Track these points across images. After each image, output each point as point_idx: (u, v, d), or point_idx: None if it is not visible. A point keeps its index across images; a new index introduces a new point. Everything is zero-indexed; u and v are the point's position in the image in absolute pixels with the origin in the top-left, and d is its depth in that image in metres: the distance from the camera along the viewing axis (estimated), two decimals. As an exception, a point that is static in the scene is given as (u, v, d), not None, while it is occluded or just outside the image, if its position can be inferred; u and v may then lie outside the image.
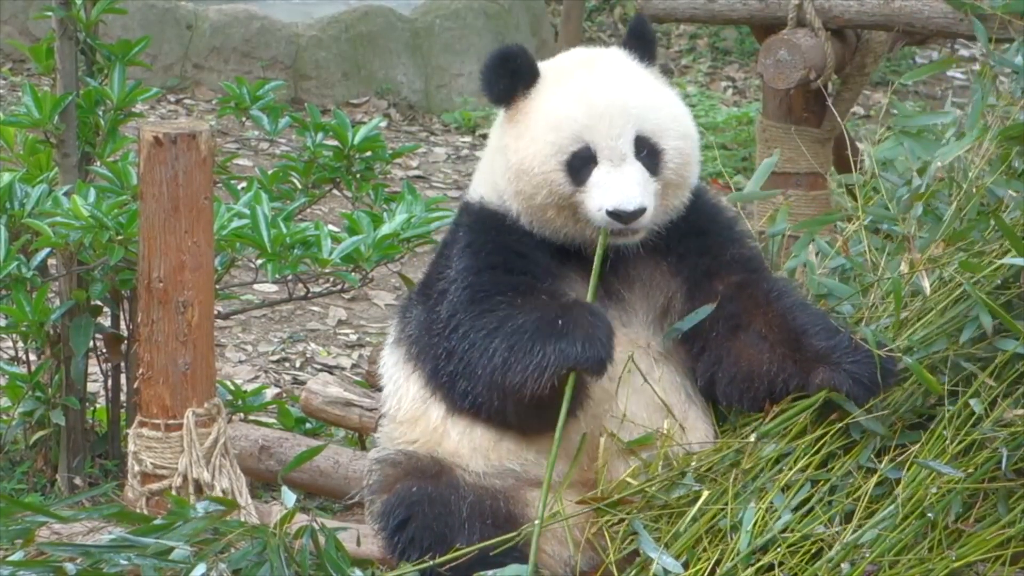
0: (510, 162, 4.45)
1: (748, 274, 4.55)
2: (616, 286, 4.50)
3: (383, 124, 7.25)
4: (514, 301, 4.37)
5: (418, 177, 10.33)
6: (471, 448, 4.47)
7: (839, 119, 6.13)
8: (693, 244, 4.53)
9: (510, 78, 4.47)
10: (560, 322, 4.28)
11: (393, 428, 4.63)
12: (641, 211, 4.35)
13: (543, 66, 4.54)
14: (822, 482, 4.38)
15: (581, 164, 4.39)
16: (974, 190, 4.58)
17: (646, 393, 4.47)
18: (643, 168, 4.40)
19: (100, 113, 5.81)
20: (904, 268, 4.52)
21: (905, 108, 5.00)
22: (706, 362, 4.53)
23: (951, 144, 4.64)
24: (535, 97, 4.46)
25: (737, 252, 4.58)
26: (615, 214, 4.34)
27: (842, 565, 4.25)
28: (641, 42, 4.55)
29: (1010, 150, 4.61)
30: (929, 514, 4.28)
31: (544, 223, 4.45)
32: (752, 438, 4.44)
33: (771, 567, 4.27)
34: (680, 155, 4.46)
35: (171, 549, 4.21)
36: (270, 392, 6.68)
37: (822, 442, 4.42)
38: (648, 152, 4.42)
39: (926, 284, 4.45)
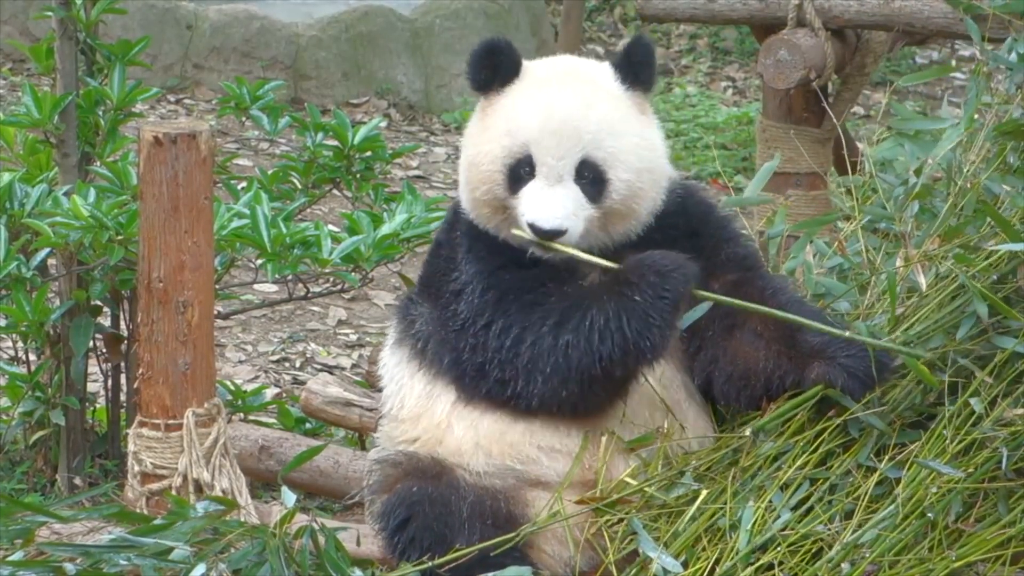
0: (468, 152, 4.52)
1: (743, 272, 4.56)
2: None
3: (383, 124, 7.25)
4: (560, 291, 4.40)
5: (418, 177, 10.33)
6: (474, 443, 4.48)
7: (834, 120, 6.13)
8: (688, 245, 4.53)
9: (491, 71, 4.50)
10: (638, 295, 4.31)
11: (394, 427, 4.64)
12: (559, 232, 4.36)
13: (529, 65, 4.55)
14: (821, 481, 4.38)
15: (521, 173, 4.42)
16: (969, 186, 4.59)
17: (646, 391, 4.47)
18: (579, 193, 4.41)
19: (100, 113, 5.81)
20: (900, 263, 4.53)
21: (903, 110, 5.01)
22: (703, 361, 4.53)
23: (944, 140, 4.66)
24: (507, 95, 4.50)
25: (732, 251, 4.59)
26: (533, 227, 4.38)
27: (842, 565, 4.25)
28: (631, 65, 4.52)
29: (1005, 146, 4.62)
30: (929, 514, 4.28)
31: (482, 218, 4.50)
32: (748, 433, 4.44)
33: (771, 566, 4.27)
34: (628, 188, 4.44)
35: (171, 549, 4.21)
36: (270, 392, 6.68)
37: (820, 439, 4.43)
38: (592, 179, 4.42)
39: (922, 280, 4.46)
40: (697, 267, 4.37)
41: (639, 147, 4.47)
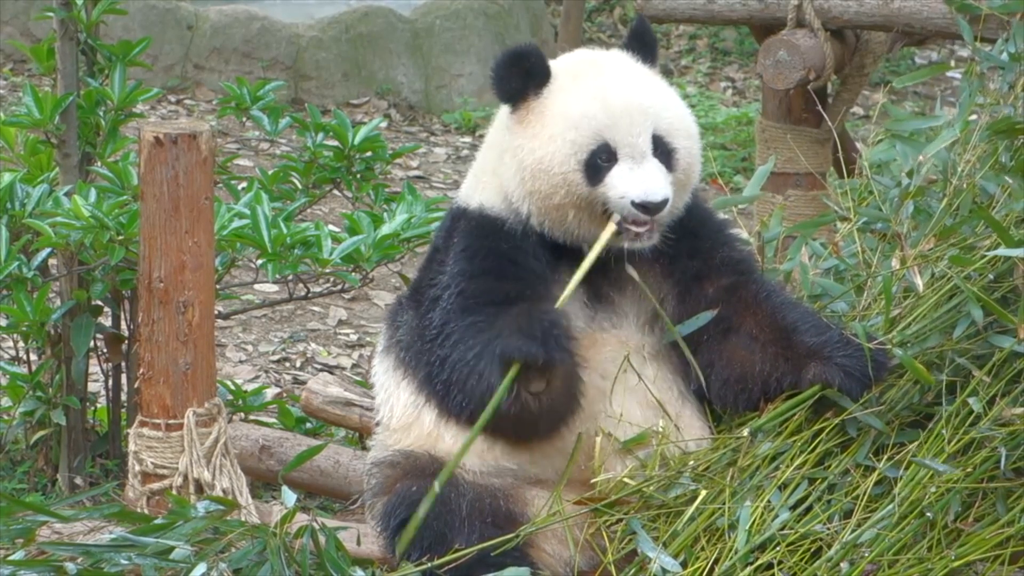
0: (524, 162, 4.44)
1: (738, 276, 4.57)
2: (606, 289, 4.52)
3: (383, 124, 7.26)
4: (501, 312, 4.38)
5: (418, 177, 10.33)
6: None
7: (832, 121, 6.14)
8: (684, 247, 4.54)
9: (523, 77, 4.47)
10: (506, 324, 4.31)
11: (387, 436, 4.64)
12: (666, 202, 4.38)
13: (552, 66, 4.54)
14: (820, 480, 4.39)
15: (600, 163, 4.40)
16: (965, 186, 4.60)
17: (640, 392, 4.48)
18: (661, 164, 4.42)
19: (101, 113, 5.81)
20: (896, 265, 4.53)
21: (898, 111, 5.01)
22: (698, 366, 4.53)
23: (937, 140, 4.67)
24: (548, 97, 4.46)
25: (727, 255, 4.60)
26: (642, 205, 4.37)
27: (841, 564, 4.26)
28: (642, 44, 4.58)
29: (998, 145, 4.63)
30: (928, 513, 4.29)
31: (557, 222, 4.45)
32: (745, 433, 4.45)
33: (769, 566, 4.28)
34: (689, 155, 4.50)
35: (171, 549, 4.22)
36: (270, 392, 6.68)
37: (819, 439, 4.43)
38: (662, 151, 4.44)
39: (919, 281, 4.47)
40: (541, 354, 4.26)
41: (685, 116, 4.54)
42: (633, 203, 4.37)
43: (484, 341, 4.35)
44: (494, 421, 4.35)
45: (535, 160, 4.43)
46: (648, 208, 4.37)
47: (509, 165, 4.48)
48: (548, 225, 4.46)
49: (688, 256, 4.55)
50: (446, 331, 4.43)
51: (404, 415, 4.59)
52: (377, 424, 4.73)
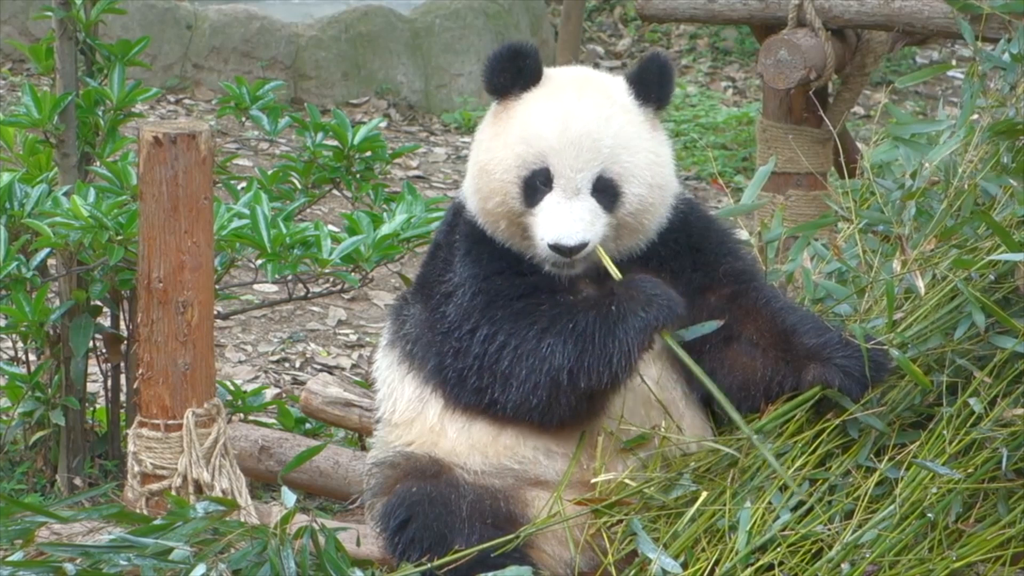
0: (479, 158, 4.46)
1: (740, 285, 4.55)
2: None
3: (383, 124, 7.26)
4: (552, 300, 4.38)
5: (418, 177, 10.33)
6: (469, 445, 4.48)
7: (833, 122, 6.13)
8: (687, 261, 4.53)
9: (513, 75, 4.45)
10: (615, 307, 4.30)
11: (389, 431, 4.63)
12: (582, 246, 4.32)
13: (549, 72, 4.50)
14: (821, 481, 4.38)
15: (537, 185, 4.37)
16: (966, 187, 4.59)
17: (642, 391, 4.47)
18: (596, 204, 4.37)
19: (100, 113, 5.81)
20: (897, 267, 4.53)
21: (899, 113, 5.01)
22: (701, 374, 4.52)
23: (941, 145, 4.66)
24: (525, 102, 4.44)
25: (730, 265, 4.58)
26: (555, 247, 4.33)
27: (842, 565, 4.25)
28: (646, 81, 4.48)
29: (999, 146, 4.62)
30: (929, 514, 4.28)
31: (493, 228, 4.45)
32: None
33: (770, 567, 4.27)
34: (640, 203, 4.42)
35: (171, 549, 4.21)
36: (270, 392, 6.68)
37: (819, 440, 4.43)
38: (608, 192, 4.38)
39: (920, 283, 4.46)
40: (683, 307, 4.31)
41: (652, 163, 4.44)
42: (548, 244, 4.34)
43: (548, 321, 4.34)
44: (565, 407, 4.35)
45: (487, 159, 4.43)
46: (561, 251, 4.33)
47: (471, 157, 4.50)
48: (490, 230, 4.45)
49: (691, 269, 4.53)
50: (468, 325, 4.41)
51: (408, 409, 4.58)
52: (378, 421, 4.71)
